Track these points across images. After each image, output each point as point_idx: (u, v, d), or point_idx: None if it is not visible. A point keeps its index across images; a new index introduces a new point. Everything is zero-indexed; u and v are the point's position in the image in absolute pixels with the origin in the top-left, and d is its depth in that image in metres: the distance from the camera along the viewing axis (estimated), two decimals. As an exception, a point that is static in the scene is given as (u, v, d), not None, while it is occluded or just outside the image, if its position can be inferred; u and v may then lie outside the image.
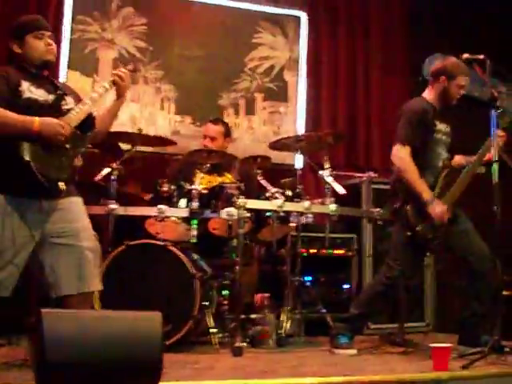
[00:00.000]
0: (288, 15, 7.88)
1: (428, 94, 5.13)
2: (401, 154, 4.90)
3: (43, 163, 3.64)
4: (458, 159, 5.19)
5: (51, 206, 3.81)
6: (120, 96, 4.19)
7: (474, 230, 5.01)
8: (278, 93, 7.73)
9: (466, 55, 4.72)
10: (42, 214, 3.78)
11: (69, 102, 3.99)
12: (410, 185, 4.86)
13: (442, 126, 5.05)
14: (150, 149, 5.78)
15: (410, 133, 4.92)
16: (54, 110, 3.87)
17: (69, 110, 3.89)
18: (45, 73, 4.02)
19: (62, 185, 3.72)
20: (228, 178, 5.89)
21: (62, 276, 3.80)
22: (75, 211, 3.94)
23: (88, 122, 3.97)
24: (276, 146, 5.81)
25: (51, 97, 3.93)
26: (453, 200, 4.93)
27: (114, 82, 4.12)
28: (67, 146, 3.78)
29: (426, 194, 4.83)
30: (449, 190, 4.94)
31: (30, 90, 3.84)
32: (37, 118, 3.69)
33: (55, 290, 3.80)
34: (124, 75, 4.15)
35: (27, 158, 3.58)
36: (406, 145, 4.89)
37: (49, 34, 4.01)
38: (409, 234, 4.88)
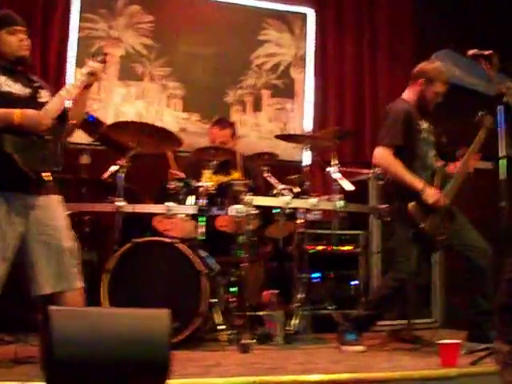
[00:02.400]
0: (295, 12, 7.89)
1: (407, 95, 5.14)
2: (381, 155, 4.93)
3: (26, 155, 3.66)
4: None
5: (34, 202, 3.81)
6: (90, 86, 4.20)
7: (470, 226, 5.01)
8: (285, 90, 7.73)
9: (472, 51, 4.71)
10: (26, 209, 3.79)
11: (44, 95, 4.01)
12: (399, 182, 4.87)
13: (425, 126, 5.06)
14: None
15: (395, 134, 4.93)
16: (31, 102, 3.88)
17: (45, 103, 3.90)
18: (20, 67, 4.03)
19: (46, 176, 3.73)
20: (235, 176, 5.88)
21: (41, 273, 3.80)
22: (55, 209, 3.93)
23: (63, 114, 3.98)
24: (283, 137, 5.81)
25: (28, 90, 3.96)
26: (448, 198, 4.93)
27: (90, 74, 4.13)
28: (48, 137, 3.79)
29: (417, 183, 4.83)
30: (444, 189, 4.94)
31: (7, 84, 3.87)
32: (18, 110, 3.71)
33: (34, 287, 3.81)
34: (99, 67, 4.16)
35: (9, 149, 3.60)
36: (387, 146, 4.91)
37: (22, 29, 4.00)
38: (413, 232, 4.88)
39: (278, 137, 5.81)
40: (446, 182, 4.98)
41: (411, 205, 4.84)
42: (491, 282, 4.84)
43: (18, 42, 3.96)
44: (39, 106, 3.87)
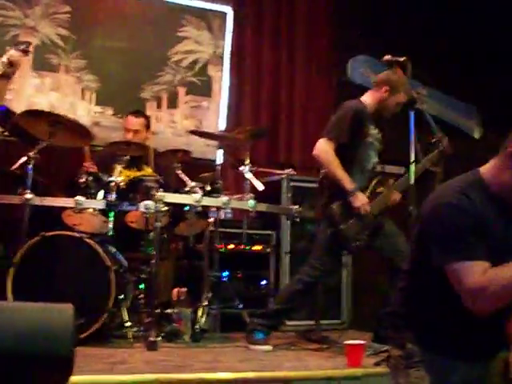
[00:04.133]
0: (214, 10, 7.86)
1: (367, 98, 5.19)
2: (324, 147, 4.95)
3: None
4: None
5: None
6: (9, 77, 4.11)
7: (399, 231, 5.08)
8: (202, 87, 7.70)
9: (387, 56, 4.77)
10: None
11: None
12: (332, 177, 4.90)
13: (374, 132, 5.12)
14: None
15: (340, 129, 4.97)
16: None
17: None
18: None
19: None
20: (147, 171, 5.84)
21: None
22: None
23: None
24: (198, 132, 5.81)
25: None
26: (379, 208, 4.99)
27: (9, 63, 4.04)
28: None
29: (349, 184, 4.89)
30: (377, 198, 5.01)
31: None
32: None
33: None
34: (20, 56, 4.07)
35: None
36: (331, 140, 4.94)
37: None
38: (331, 231, 4.92)
39: (191, 132, 5.82)
40: (380, 186, 5.05)
41: (336, 204, 4.89)
42: None
43: None
44: None
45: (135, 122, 6.05)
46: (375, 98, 5.16)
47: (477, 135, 8.99)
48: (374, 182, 5.09)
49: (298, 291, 5.11)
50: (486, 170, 2.65)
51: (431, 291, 2.60)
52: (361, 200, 4.89)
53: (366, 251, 5.19)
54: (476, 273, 2.41)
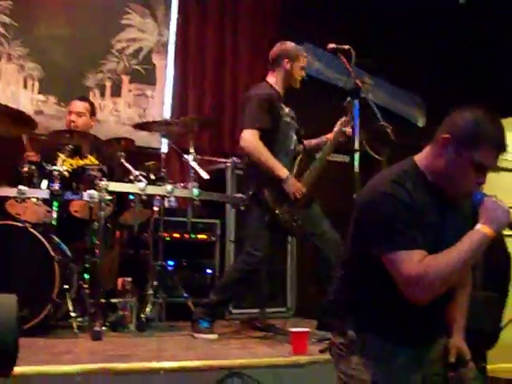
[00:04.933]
0: (158, -2, 7.82)
1: (272, 79, 5.23)
2: (249, 138, 4.98)
3: None
4: (314, 142, 5.30)
5: None
6: None
7: (324, 216, 5.13)
8: (146, 76, 7.65)
9: (332, 45, 4.79)
10: None
11: None
12: (263, 166, 4.93)
13: (287, 110, 5.16)
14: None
15: (259, 117, 5.00)
16: None
17: None
18: None
19: None
20: (91, 160, 5.79)
21: None
22: None
23: None
24: (141, 126, 5.79)
25: None
26: (307, 185, 5.02)
27: None
28: None
29: (281, 171, 4.92)
30: (303, 176, 5.04)
31: None
32: None
33: None
34: None
35: None
36: (254, 129, 4.97)
37: None
38: (268, 217, 4.94)
39: (135, 126, 5.78)
40: (310, 164, 5.08)
41: (268, 190, 4.90)
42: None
43: None
44: None
45: (79, 104, 6.02)
46: (280, 75, 5.21)
47: (421, 124, 9.10)
48: (297, 160, 5.11)
49: (235, 280, 5.13)
50: (420, 158, 2.67)
51: (370, 280, 2.62)
52: (294, 185, 4.92)
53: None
54: (413, 261, 2.43)
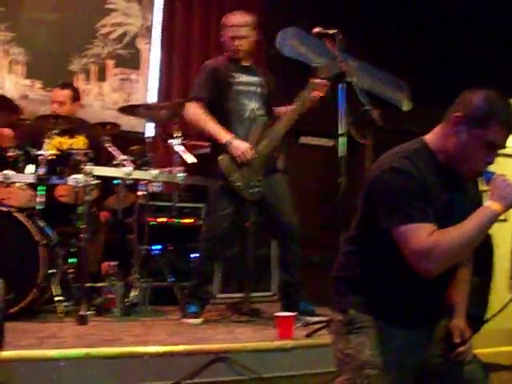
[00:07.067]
0: (143, -19, 7.79)
1: (225, 51, 5.31)
2: (191, 109, 5.06)
3: None
4: (282, 109, 5.29)
5: None
6: None
7: (287, 199, 5.14)
8: (130, 60, 7.65)
9: (317, 29, 4.77)
10: None
11: None
12: (207, 134, 5.02)
13: (246, 78, 5.17)
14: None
15: (199, 89, 5.11)
16: None
17: None
18: None
19: None
20: (80, 140, 5.83)
21: None
22: None
23: None
24: (126, 110, 5.78)
25: None
26: (266, 151, 5.01)
27: None
28: None
29: (223, 136, 4.94)
30: (261, 142, 5.02)
31: None
32: None
33: None
34: None
35: None
36: (195, 100, 5.06)
37: None
38: (222, 185, 4.94)
39: (120, 110, 5.77)
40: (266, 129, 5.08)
41: (221, 157, 4.91)
42: (294, 256, 5.07)
43: None
44: None
45: (60, 93, 6.01)
46: (224, 47, 5.28)
47: (405, 108, 9.10)
48: (255, 126, 5.10)
49: (204, 258, 5.17)
50: (430, 137, 2.68)
51: (377, 256, 2.62)
52: (239, 148, 4.91)
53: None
54: (423, 234, 2.43)
